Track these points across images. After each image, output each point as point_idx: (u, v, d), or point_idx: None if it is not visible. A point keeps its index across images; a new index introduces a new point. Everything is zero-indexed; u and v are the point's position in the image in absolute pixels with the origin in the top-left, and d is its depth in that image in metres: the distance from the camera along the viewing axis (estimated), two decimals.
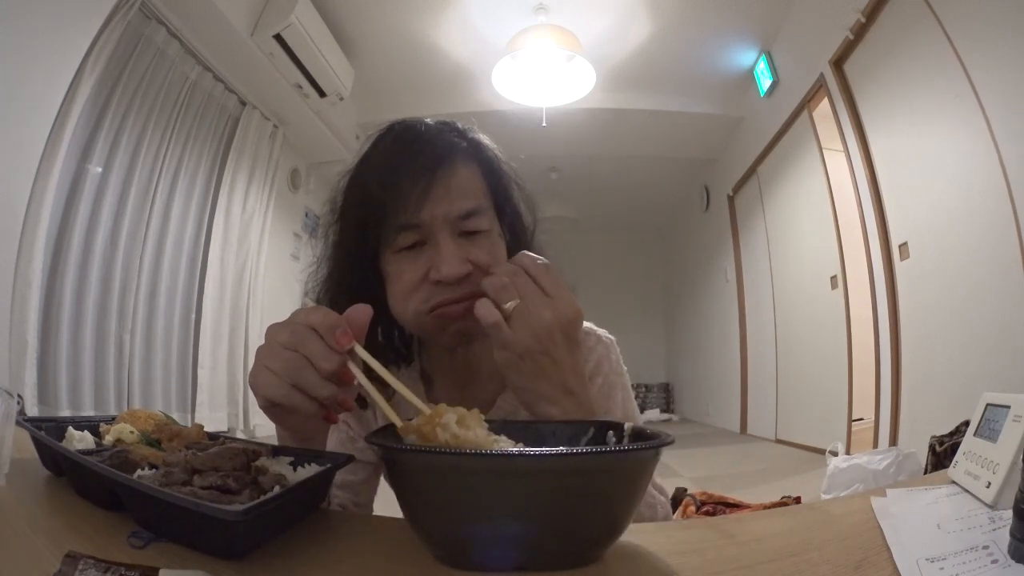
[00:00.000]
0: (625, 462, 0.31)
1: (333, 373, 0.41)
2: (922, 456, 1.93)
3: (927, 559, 0.31)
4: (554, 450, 0.39)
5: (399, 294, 0.60)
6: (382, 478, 0.69)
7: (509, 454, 0.33)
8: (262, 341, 0.44)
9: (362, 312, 0.44)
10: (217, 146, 3.19)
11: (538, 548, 0.31)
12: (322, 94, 3.33)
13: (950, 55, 2.12)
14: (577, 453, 0.37)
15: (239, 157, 3.29)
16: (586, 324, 0.71)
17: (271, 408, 0.43)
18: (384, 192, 0.58)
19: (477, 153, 0.64)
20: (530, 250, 0.67)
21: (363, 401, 0.57)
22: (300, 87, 3.24)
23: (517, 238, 0.67)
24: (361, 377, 0.42)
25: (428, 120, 0.65)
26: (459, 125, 0.66)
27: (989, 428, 0.43)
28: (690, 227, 5.59)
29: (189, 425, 0.53)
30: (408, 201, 0.57)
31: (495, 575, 0.32)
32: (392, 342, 0.68)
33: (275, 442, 0.49)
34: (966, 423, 0.48)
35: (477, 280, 0.58)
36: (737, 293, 4.48)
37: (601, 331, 0.73)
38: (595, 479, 0.30)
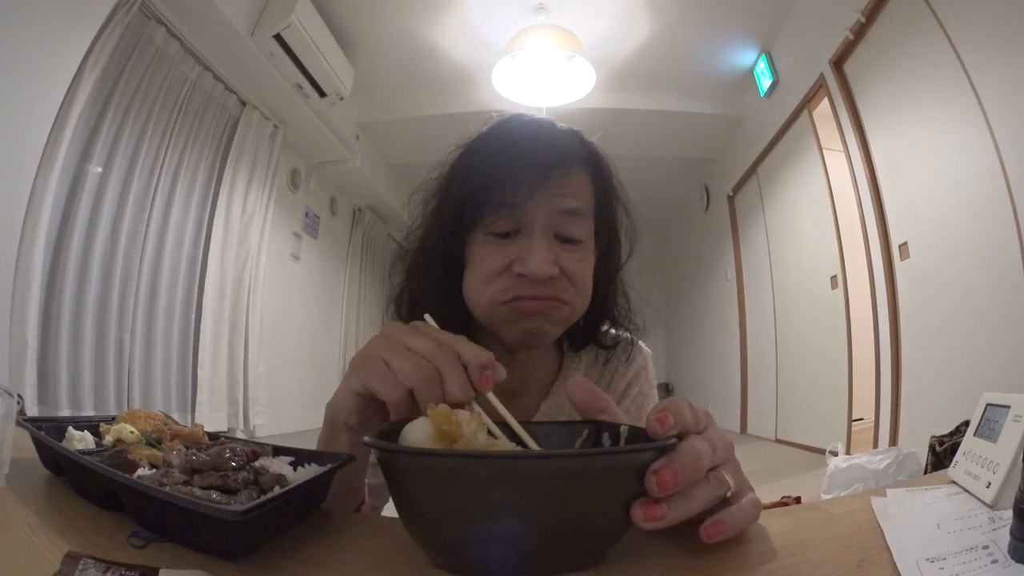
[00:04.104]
0: (627, 464, 0.31)
1: (457, 404, 0.37)
2: (922, 456, 1.93)
3: (927, 559, 0.31)
4: (556, 452, 0.38)
5: (479, 277, 0.58)
6: None
7: (509, 455, 0.33)
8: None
9: (501, 370, 0.40)
10: (217, 146, 3.19)
11: (537, 552, 0.31)
12: (322, 94, 3.34)
13: (950, 55, 2.12)
14: (579, 454, 0.36)
15: (239, 157, 3.29)
16: (630, 335, 0.73)
17: (360, 397, 0.41)
18: (494, 171, 0.57)
19: (595, 167, 0.64)
20: (613, 281, 0.68)
21: None
22: (300, 87, 3.24)
23: (607, 264, 0.67)
24: (484, 420, 0.37)
25: (554, 121, 0.65)
26: (584, 135, 0.66)
27: (989, 428, 0.43)
28: (690, 227, 5.58)
29: (189, 425, 0.53)
30: (517, 186, 0.56)
31: None
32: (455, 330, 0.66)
33: (274, 442, 0.49)
34: (966, 423, 0.48)
35: (561, 286, 0.57)
36: (737, 293, 4.48)
37: (641, 343, 0.75)
38: (596, 481, 0.30)
